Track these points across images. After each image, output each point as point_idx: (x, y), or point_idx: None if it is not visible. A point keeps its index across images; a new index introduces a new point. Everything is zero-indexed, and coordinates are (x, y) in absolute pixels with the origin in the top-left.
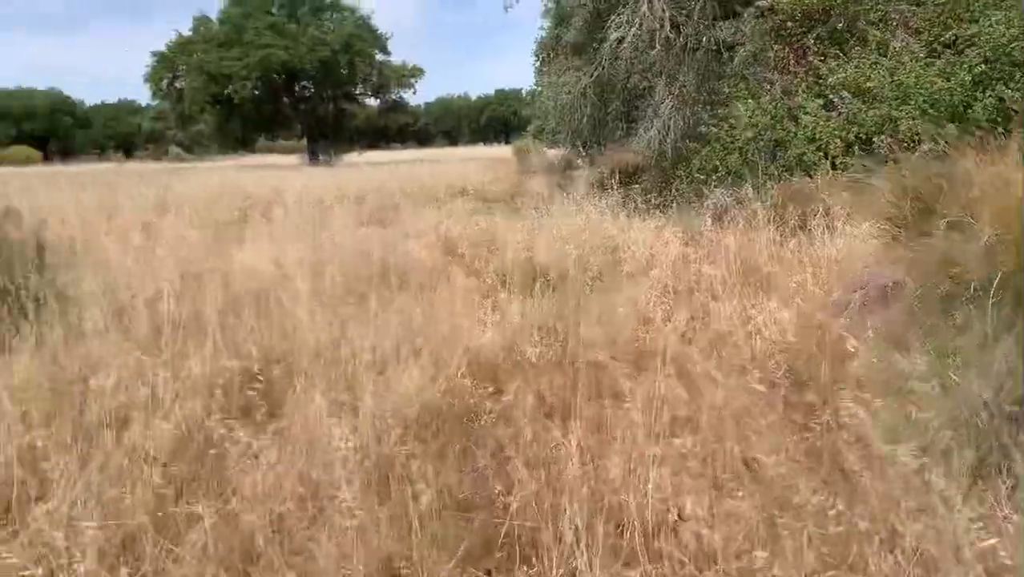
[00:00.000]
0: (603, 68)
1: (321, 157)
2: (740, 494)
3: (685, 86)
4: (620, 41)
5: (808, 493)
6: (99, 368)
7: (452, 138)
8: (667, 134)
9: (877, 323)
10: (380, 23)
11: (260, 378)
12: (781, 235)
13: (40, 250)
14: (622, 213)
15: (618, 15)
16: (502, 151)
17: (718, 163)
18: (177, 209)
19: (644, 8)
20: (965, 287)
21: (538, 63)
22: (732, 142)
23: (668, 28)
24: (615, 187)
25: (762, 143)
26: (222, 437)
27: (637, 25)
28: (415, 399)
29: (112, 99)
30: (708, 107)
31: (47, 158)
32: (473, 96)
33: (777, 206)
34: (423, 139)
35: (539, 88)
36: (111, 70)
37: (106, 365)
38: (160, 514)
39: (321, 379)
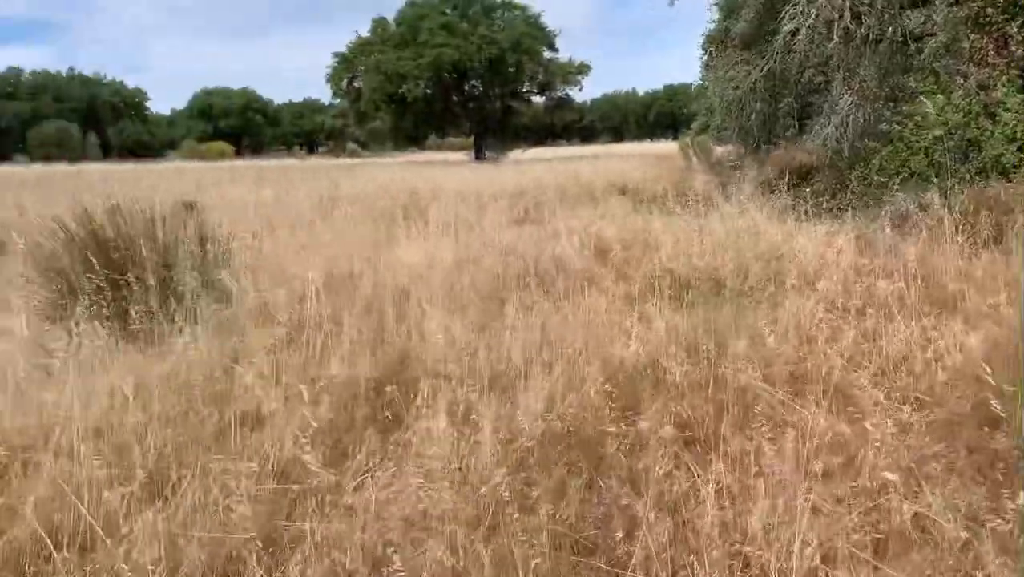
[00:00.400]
0: (774, 62)
1: (487, 154)
2: (907, 568)
3: (866, 80)
4: (794, 33)
5: (996, 567)
6: (239, 365)
7: (618, 134)
8: (845, 132)
9: None
10: (549, 20)
11: (386, 388)
12: (971, 247)
13: (203, 244)
14: (791, 217)
15: (792, 5)
16: (668, 148)
17: (900, 164)
18: (344, 205)
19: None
20: None
21: (705, 57)
22: (918, 141)
23: (848, 18)
24: (784, 188)
25: (952, 143)
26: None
27: (813, 16)
28: (541, 419)
29: (298, 98)
30: (891, 103)
31: (239, 153)
32: (641, 92)
33: (967, 214)
34: (589, 136)
35: (705, 83)
36: (298, 71)
37: (246, 363)
38: (267, 530)
39: (445, 392)
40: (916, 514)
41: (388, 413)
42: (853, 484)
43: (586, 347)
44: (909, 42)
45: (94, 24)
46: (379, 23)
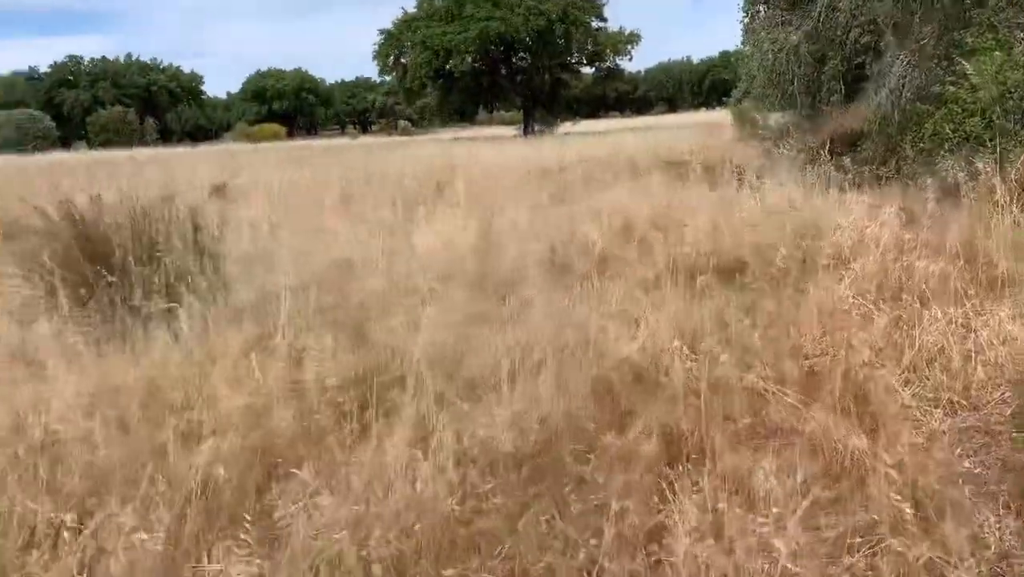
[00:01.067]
0: (819, 21)
1: (536, 127)
2: None
3: (921, 39)
4: None
5: None
6: (217, 362)
7: (673, 104)
8: (899, 96)
9: None
10: None
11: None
12: None
13: (194, 234)
14: (834, 188)
15: None
16: (721, 117)
17: (954, 129)
18: (378, 183)
19: None
20: None
21: (746, 19)
22: (974, 103)
23: None
24: (828, 157)
25: (1011, 103)
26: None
27: None
28: (509, 431)
29: (350, 77)
30: (946, 63)
31: (292, 134)
32: (696, 60)
33: None
34: (643, 106)
35: (745, 47)
36: (351, 49)
37: (224, 360)
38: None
39: (419, 399)
40: (930, 560)
41: (351, 425)
42: (859, 516)
43: (586, 342)
44: None
45: (152, 11)
46: None
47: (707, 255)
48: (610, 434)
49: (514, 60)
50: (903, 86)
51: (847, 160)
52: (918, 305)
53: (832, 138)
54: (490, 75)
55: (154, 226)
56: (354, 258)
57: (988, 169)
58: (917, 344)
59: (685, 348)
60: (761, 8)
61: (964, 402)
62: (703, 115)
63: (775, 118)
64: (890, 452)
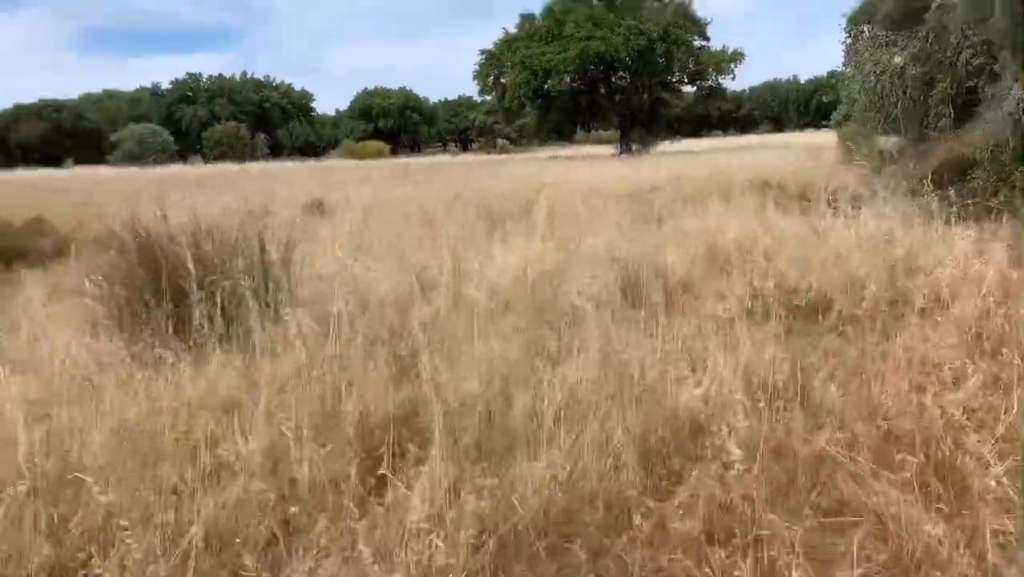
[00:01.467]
0: (927, 42)
1: (634, 147)
2: None
3: None
4: (950, 9)
5: None
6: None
7: (778, 124)
8: (1018, 120)
9: None
10: (705, 7)
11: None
12: None
13: (263, 253)
14: (939, 220)
15: None
16: (828, 138)
17: None
18: (471, 200)
19: None
20: None
21: (848, 39)
22: None
23: None
24: (934, 186)
25: None
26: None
27: None
28: (542, 493)
29: (453, 96)
30: None
31: (395, 151)
32: (803, 79)
33: None
34: (747, 125)
35: (847, 68)
36: (456, 68)
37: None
38: None
39: (445, 452)
40: None
41: (373, 477)
42: None
43: (641, 392)
44: None
45: (270, 30)
46: (526, 19)
47: (790, 290)
48: (651, 501)
49: (613, 79)
50: (1022, 111)
51: (952, 191)
52: (1020, 363)
53: (939, 165)
54: (588, 94)
55: (219, 246)
56: (425, 279)
57: None
58: (1016, 409)
59: (748, 401)
60: (865, 28)
61: None
62: (808, 136)
63: (879, 142)
64: (972, 544)
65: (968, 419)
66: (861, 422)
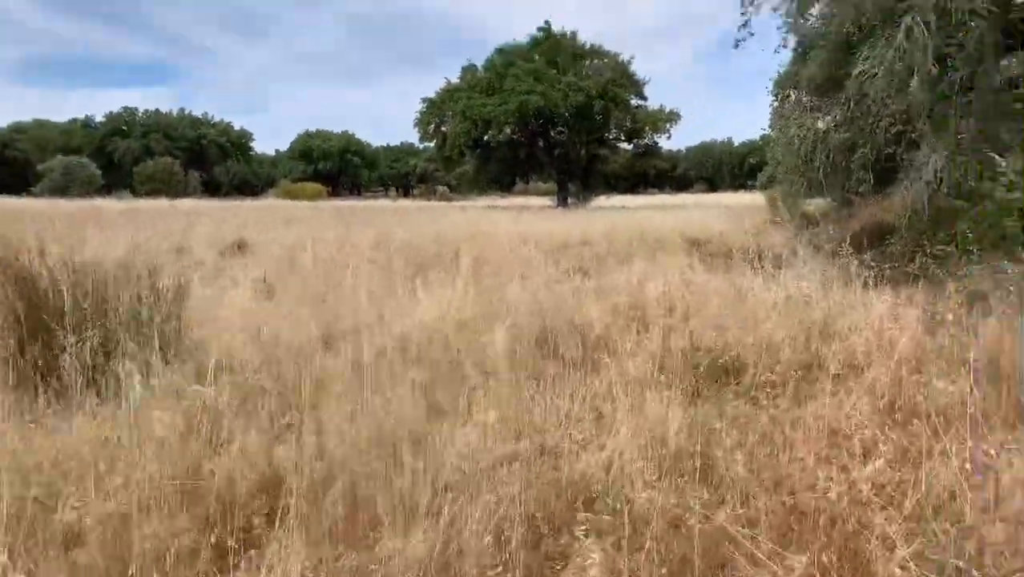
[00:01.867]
0: (848, 109)
1: (570, 200)
2: None
3: (959, 132)
4: (871, 78)
5: None
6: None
7: (712, 184)
8: (934, 190)
9: None
10: (642, 68)
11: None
12: None
13: (178, 300)
14: (857, 283)
15: (870, 46)
16: (757, 199)
17: (990, 227)
18: (401, 246)
19: (901, 38)
20: None
21: (776, 103)
22: (1010, 202)
23: (930, 62)
24: (854, 249)
25: None
26: None
27: (890, 59)
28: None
29: (396, 141)
30: (985, 157)
31: (335, 193)
32: (737, 141)
33: None
34: (682, 184)
35: (773, 131)
36: (398, 115)
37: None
38: None
39: (293, 536)
40: None
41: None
42: None
43: (540, 457)
44: (1006, 89)
45: (213, 69)
46: (468, 70)
47: (706, 351)
48: None
49: (552, 133)
50: (939, 180)
51: (871, 255)
52: (929, 434)
53: (860, 230)
54: (527, 147)
55: (100, 288)
56: (335, 327)
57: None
58: (924, 486)
59: (650, 470)
60: (791, 93)
61: (976, 573)
62: (740, 196)
63: (805, 205)
64: None
65: (876, 495)
66: (766, 496)
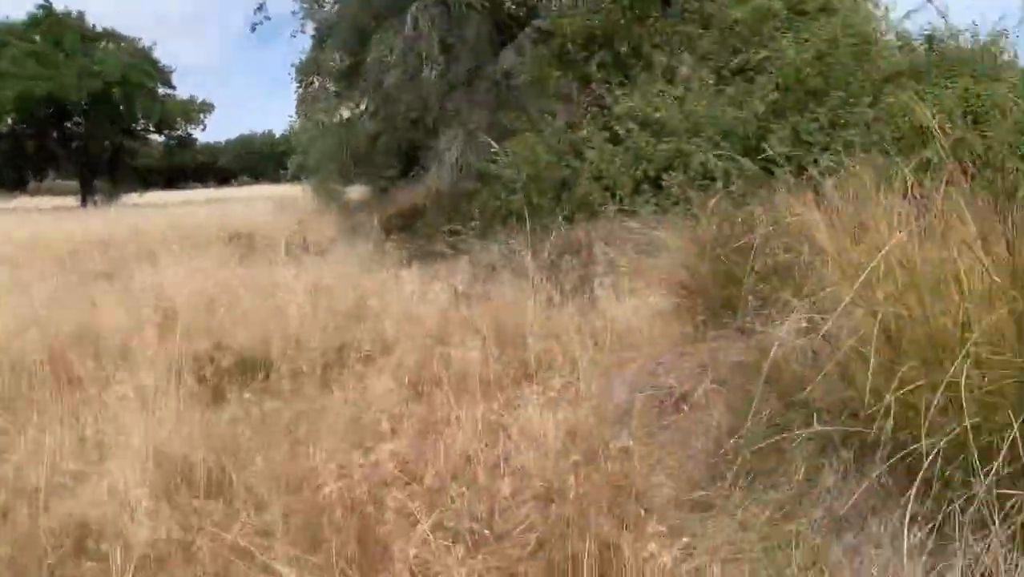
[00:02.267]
0: (369, 96)
1: (97, 198)
2: None
3: (471, 120)
4: (386, 67)
5: None
6: None
7: (257, 175)
8: (454, 173)
9: (673, 443)
10: (171, 56)
11: None
12: (561, 296)
13: None
14: (394, 264)
15: (381, 35)
16: (305, 189)
17: (499, 206)
18: None
19: (409, 28)
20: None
21: (300, 90)
22: (514, 181)
23: (438, 52)
24: (390, 233)
25: (545, 183)
26: None
27: (400, 49)
28: None
29: None
30: (494, 143)
31: None
32: (278, 132)
33: (554, 259)
34: (225, 177)
35: (299, 119)
36: None
37: None
38: None
39: None
40: None
41: None
42: None
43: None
44: (503, 79)
45: None
46: None
47: (233, 349)
48: None
49: (68, 124)
50: (460, 164)
51: (403, 237)
52: (450, 402)
53: (395, 214)
54: (37, 139)
55: None
56: None
57: (520, 248)
58: (442, 455)
59: (153, 495)
60: (315, 80)
61: (488, 532)
62: (287, 188)
63: (347, 192)
64: None
65: (401, 472)
66: (288, 497)
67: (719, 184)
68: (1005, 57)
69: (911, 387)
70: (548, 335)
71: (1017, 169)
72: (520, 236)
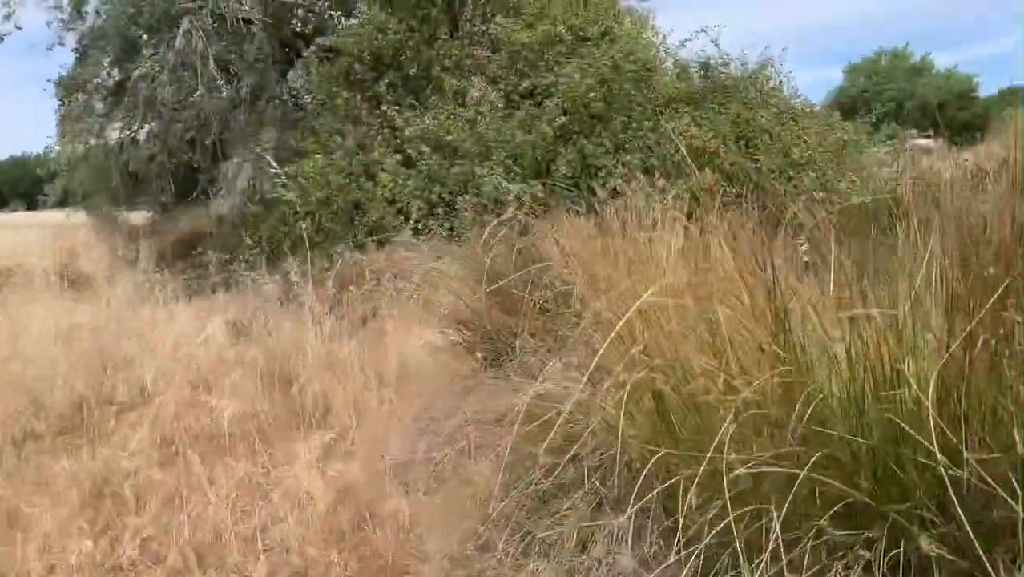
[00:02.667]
0: (139, 115)
1: None
2: None
3: (261, 141)
4: (159, 84)
5: None
6: None
7: (32, 201)
8: (242, 198)
9: (449, 501)
10: None
11: None
12: (350, 329)
13: None
14: (171, 297)
15: (152, 50)
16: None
17: (288, 232)
18: None
19: (180, 42)
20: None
21: (62, 108)
22: (304, 205)
23: (212, 68)
24: (167, 264)
25: (337, 206)
26: None
27: (172, 64)
28: None
29: None
30: (283, 165)
31: None
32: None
33: (337, 290)
34: None
35: (61, 139)
36: None
37: None
38: None
39: None
40: None
41: None
42: None
43: None
44: (291, 99)
45: None
46: None
47: None
48: None
49: None
50: (252, 187)
51: (183, 265)
52: (210, 461)
53: (175, 241)
54: None
55: None
56: None
57: (304, 278)
58: (187, 530)
59: None
60: (79, 96)
61: None
62: (58, 215)
63: (125, 218)
64: None
65: (141, 553)
66: None
67: (510, 208)
68: (771, 84)
69: (675, 463)
70: (328, 374)
71: (785, 192)
72: (307, 265)
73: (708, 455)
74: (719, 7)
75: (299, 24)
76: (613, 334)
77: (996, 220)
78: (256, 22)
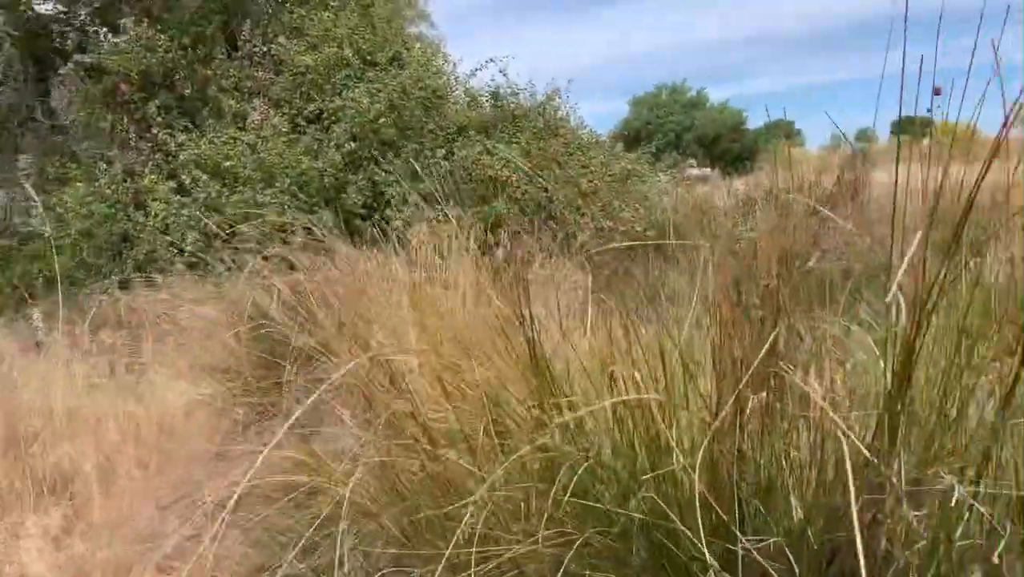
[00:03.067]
0: None
1: None
2: None
3: (14, 168)
4: None
5: None
6: None
7: None
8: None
9: None
10: None
11: None
12: (111, 377)
13: None
14: None
15: None
16: None
17: (44, 266)
18: None
19: None
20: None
21: None
22: (63, 238)
23: None
24: None
25: (101, 240)
26: None
27: None
28: None
29: None
30: (42, 193)
31: None
32: None
33: (95, 332)
34: None
35: None
36: None
37: None
38: None
39: None
40: None
41: None
42: None
43: None
44: (48, 121)
45: None
46: None
47: None
48: None
49: None
50: (3, 220)
51: None
52: None
53: None
54: None
55: None
56: None
57: (40, 322)
58: None
59: None
60: None
61: None
62: None
63: None
64: None
65: None
66: None
67: (298, 237)
68: (560, 114)
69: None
70: (79, 431)
71: (575, 221)
72: (58, 307)
73: (447, 551)
74: (515, 42)
75: (57, 39)
76: (320, 391)
77: (764, 254)
78: (4, 36)
